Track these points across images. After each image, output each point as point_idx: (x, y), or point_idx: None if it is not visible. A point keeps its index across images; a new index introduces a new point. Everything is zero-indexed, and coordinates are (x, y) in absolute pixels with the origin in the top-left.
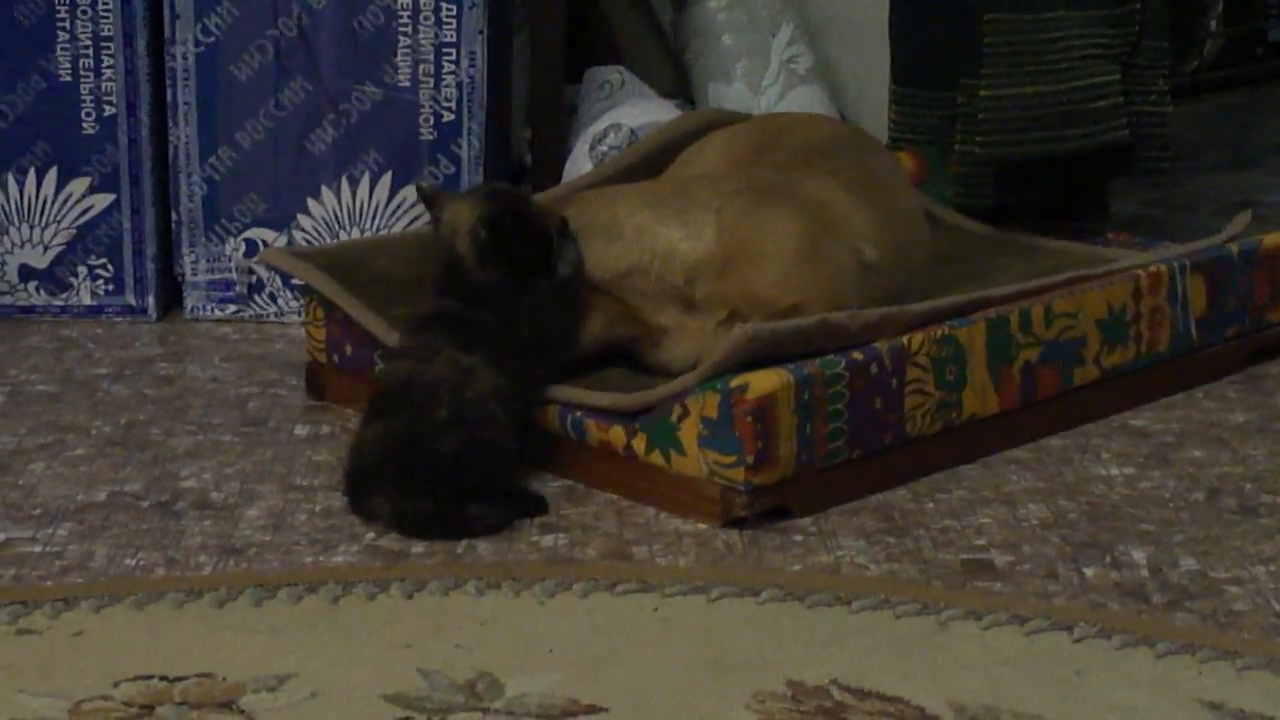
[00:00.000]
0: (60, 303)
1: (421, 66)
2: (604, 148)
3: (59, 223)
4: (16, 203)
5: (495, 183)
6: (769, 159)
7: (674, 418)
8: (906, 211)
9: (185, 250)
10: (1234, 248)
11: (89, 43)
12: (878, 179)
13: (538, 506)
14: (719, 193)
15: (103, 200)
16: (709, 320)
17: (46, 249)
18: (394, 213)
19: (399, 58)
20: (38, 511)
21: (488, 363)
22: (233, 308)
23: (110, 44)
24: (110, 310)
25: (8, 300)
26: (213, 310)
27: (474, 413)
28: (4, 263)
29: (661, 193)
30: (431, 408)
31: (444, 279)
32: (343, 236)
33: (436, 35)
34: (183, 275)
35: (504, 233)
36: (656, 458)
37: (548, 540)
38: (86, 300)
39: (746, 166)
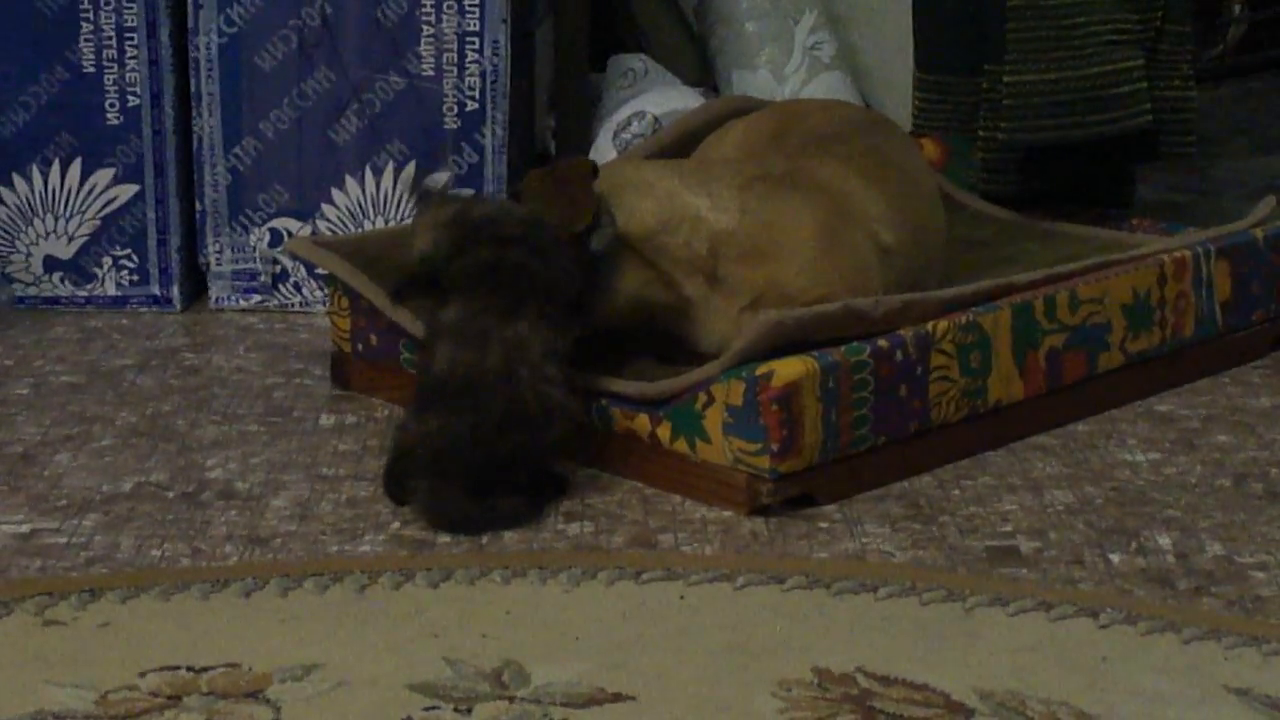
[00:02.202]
0: (85, 294)
1: (445, 55)
2: (628, 135)
3: (83, 213)
4: (41, 194)
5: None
6: (785, 145)
7: (699, 405)
8: (922, 194)
9: (210, 240)
10: (1259, 233)
11: (112, 33)
12: (893, 162)
13: (559, 489)
14: (740, 174)
15: (127, 191)
16: (734, 302)
17: (71, 240)
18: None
19: (422, 47)
20: (63, 503)
21: (535, 323)
22: (257, 298)
23: (134, 34)
24: (135, 301)
25: (33, 291)
26: (237, 300)
27: (530, 399)
28: (29, 254)
29: (685, 167)
30: (488, 401)
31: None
32: (367, 226)
33: (460, 24)
34: (207, 265)
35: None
36: (681, 446)
37: (574, 528)
38: (111, 291)
39: (764, 153)
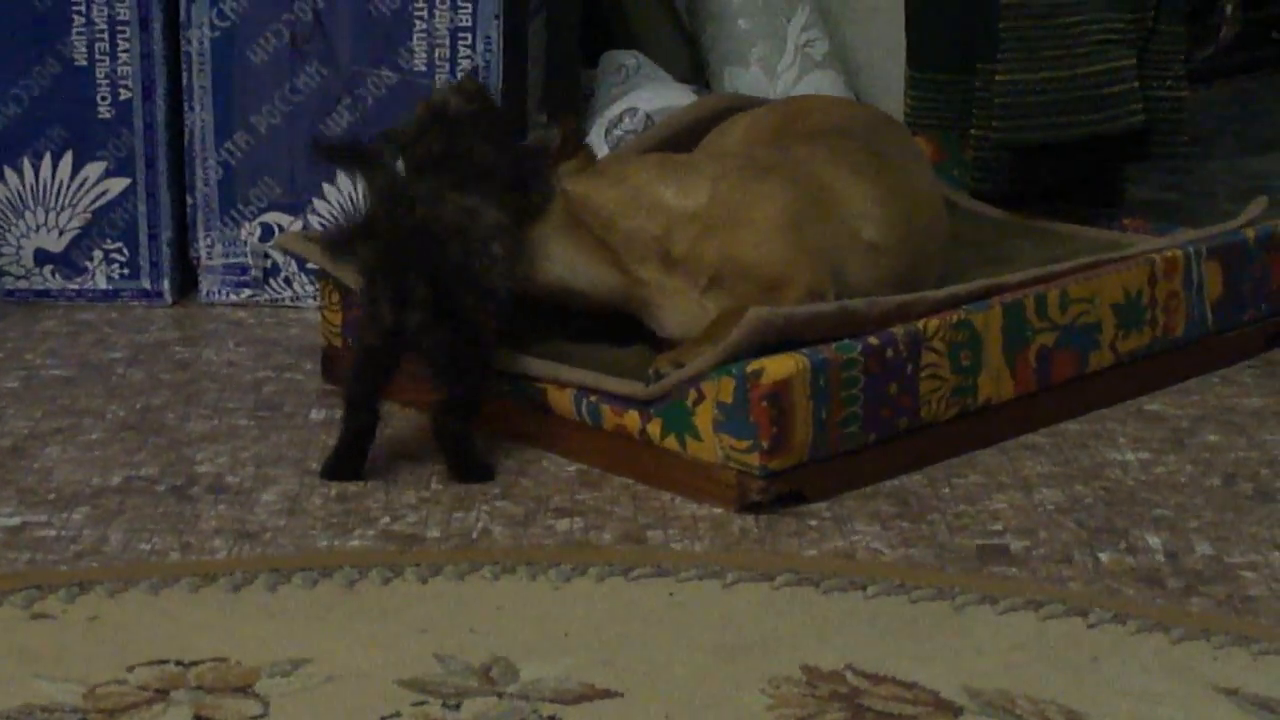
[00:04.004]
0: (75, 287)
1: (437, 50)
2: (620, 132)
3: (74, 207)
4: (32, 187)
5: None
6: (785, 139)
7: (689, 402)
8: (919, 194)
9: (201, 234)
10: (1250, 233)
11: (104, 27)
12: (892, 162)
13: (485, 475)
14: (722, 165)
15: (118, 184)
16: (691, 284)
17: (62, 233)
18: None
19: (414, 42)
20: (53, 496)
21: (486, 200)
22: (248, 292)
23: (126, 28)
24: (125, 294)
25: (23, 284)
26: (228, 295)
27: (482, 256)
28: (20, 247)
29: (675, 161)
30: (445, 245)
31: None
32: None
33: (452, 19)
34: (198, 259)
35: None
36: (672, 442)
37: (563, 525)
38: (102, 284)
39: (763, 146)
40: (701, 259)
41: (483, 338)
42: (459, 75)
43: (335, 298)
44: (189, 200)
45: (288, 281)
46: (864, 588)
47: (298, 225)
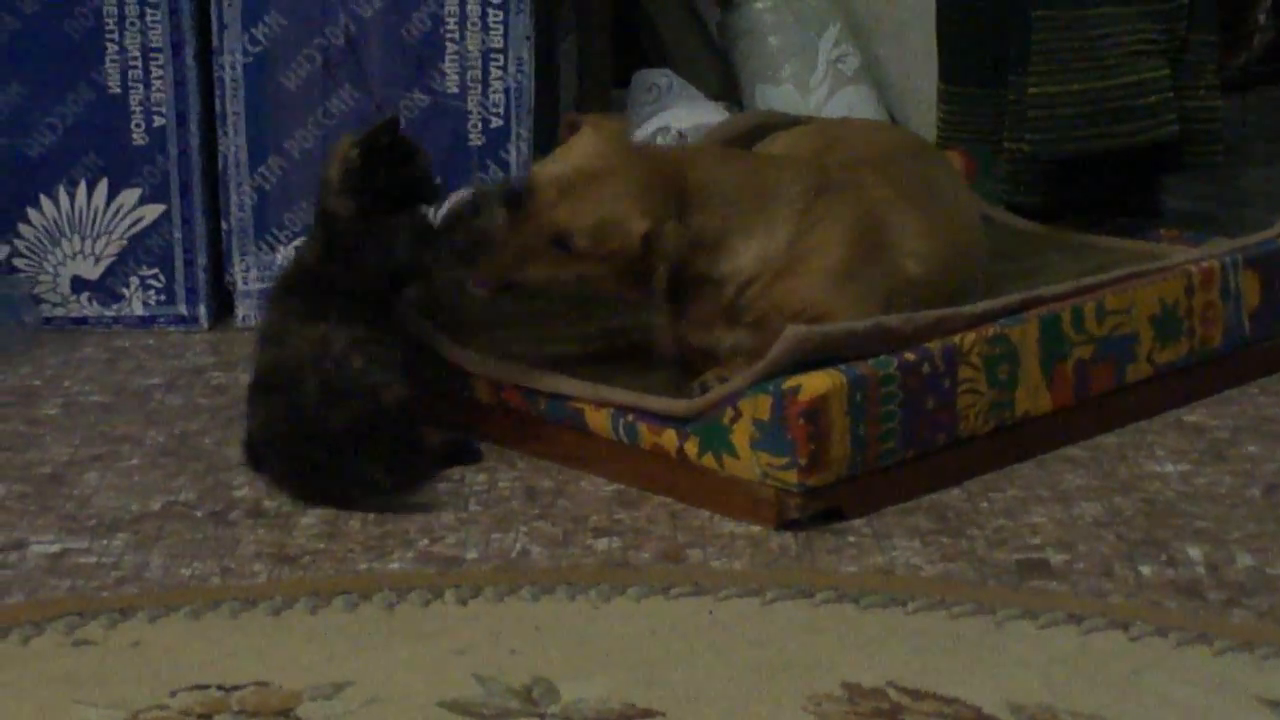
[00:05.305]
0: (112, 314)
1: (469, 73)
2: None
3: (110, 234)
4: (68, 214)
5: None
6: (833, 160)
7: (726, 420)
8: (960, 222)
9: (236, 259)
10: None
11: (138, 54)
12: (934, 189)
13: (472, 458)
14: (806, 188)
15: (153, 211)
16: (735, 322)
17: (98, 260)
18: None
19: (446, 64)
20: (93, 522)
21: (339, 323)
22: None
23: (159, 55)
24: (162, 320)
25: (60, 312)
26: None
27: (340, 378)
28: (56, 274)
29: (764, 181)
30: (298, 385)
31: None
32: None
33: (484, 41)
34: (234, 284)
35: (373, 159)
36: (709, 461)
37: (602, 544)
38: (138, 311)
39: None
40: (755, 307)
41: (386, 428)
42: (333, 155)
43: None
44: (224, 225)
45: None
46: (904, 604)
47: None
